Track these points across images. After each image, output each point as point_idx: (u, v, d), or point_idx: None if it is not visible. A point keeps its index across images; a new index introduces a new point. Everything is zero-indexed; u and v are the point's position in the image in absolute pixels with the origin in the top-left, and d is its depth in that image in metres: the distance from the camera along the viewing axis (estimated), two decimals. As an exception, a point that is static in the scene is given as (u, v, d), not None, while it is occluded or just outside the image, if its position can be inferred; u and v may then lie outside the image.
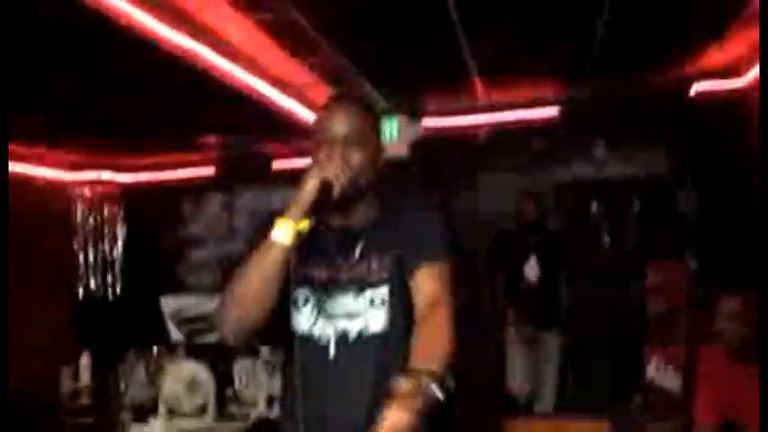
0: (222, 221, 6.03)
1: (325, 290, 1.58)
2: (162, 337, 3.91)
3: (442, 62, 4.66)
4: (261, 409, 3.48)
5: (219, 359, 3.72)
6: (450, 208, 4.97)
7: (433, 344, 1.45)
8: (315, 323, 1.58)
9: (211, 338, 3.74)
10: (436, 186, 5.32)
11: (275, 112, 4.83)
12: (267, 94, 4.51)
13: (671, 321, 3.10)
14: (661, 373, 3.14)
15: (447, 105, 5.58)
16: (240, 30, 3.68)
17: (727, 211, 4.51)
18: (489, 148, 5.62)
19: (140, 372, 3.82)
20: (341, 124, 1.56)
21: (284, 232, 1.45)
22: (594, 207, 5.43)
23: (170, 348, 3.81)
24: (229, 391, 3.63)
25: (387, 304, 1.56)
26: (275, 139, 5.66)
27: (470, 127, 5.63)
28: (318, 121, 1.60)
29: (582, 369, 4.88)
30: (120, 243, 6.21)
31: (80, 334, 5.36)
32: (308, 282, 1.58)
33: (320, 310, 1.57)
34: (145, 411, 3.51)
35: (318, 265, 1.59)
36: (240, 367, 3.69)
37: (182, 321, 3.71)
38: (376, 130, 1.64)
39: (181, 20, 3.35)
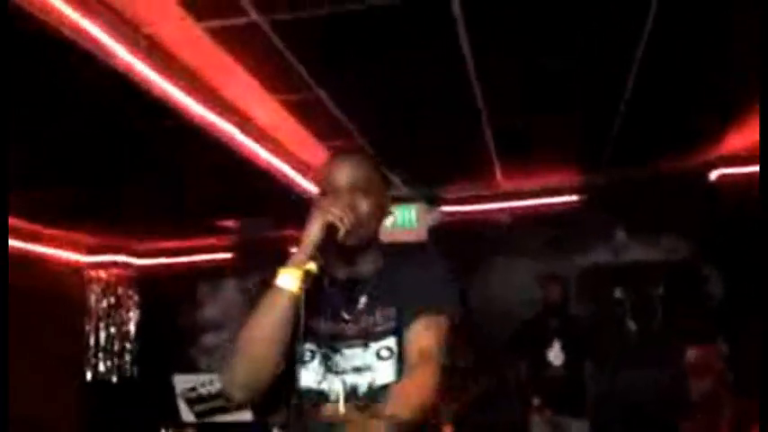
0: (238, 306, 5.94)
1: (331, 344, 1.52)
2: (173, 418, 3.76)
3: (463, 149, 4.73)
4: (273, 494, 3.28)
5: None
6: (468, 295, 4.87)
7: (409, 392, 1.40)
8: (323, 379, 1.50)
9: (225, 418, 3.59)
10: (455, 273, 5.24)
11: (295, 195, 4.85)
12: (288, 176, 4.52)
13: (715, 402, 2.93)
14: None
15: (466, 192, 5.60)
16: (265, 109, 3.73)
17: (753, 294, 4.40)
18: (508, 235, 5.59)
19: (149, 455, 3.64)
20: (345, 173, 1.54)
21: (289, 278, 1.40)
22: (618, 292, 5.32)
23: (180, 429, 3.65)
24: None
25: (394, 356, 1.50)
26: (293, 222, 5.67)
27: (489, 213, 5.62)
28: (323, 173, 1.59)
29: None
30: (132, 326, 6.10)
31: (87, 414, 5.17)
32: (313, 336, 1.52)
33: (327, 365, 1.51)
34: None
35: (323, 318, 1.54)
36: (254, 451, 3.51)
37: (193, 400, 3.58)
38: (381, 181, 1.62)
39: (207, 96, 3.39)
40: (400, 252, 1.63)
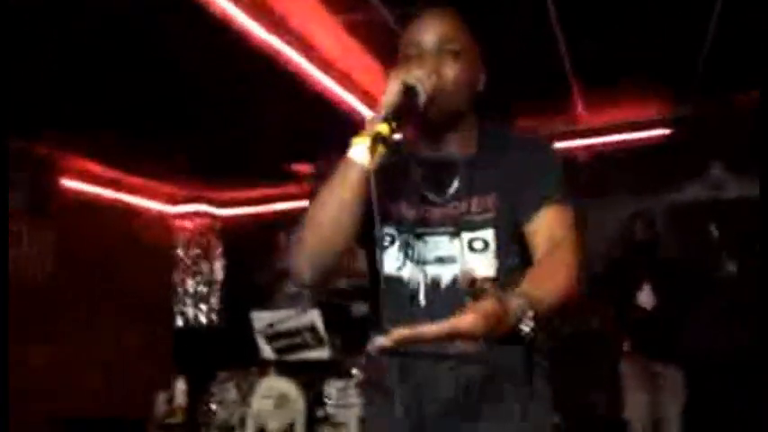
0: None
1: (413, 230, 1.36)
2: (255, 357, 3.83)
3: (542, 84, 4.49)
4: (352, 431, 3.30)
5: (312, 379, 3.59)
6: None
7: (545, 275, 1.21)
8: (402, 266, 1.37)
9: (303, 356, 3.63)
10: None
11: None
12: (357, 110, 4.41)
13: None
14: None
15: (546, 129, 5.35)
16: (327, 33, 3.63)
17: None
18: (593, 174, 5.31)
19: (231, 391, 3.74)
20: (432, 32, 1.36)
21: (362, 149, 1.23)
22: (714, 231, 4.96)
23: (262, 367, 3.72)
24: (320, 412, 3.47)
25: (490, 250, 1.33)
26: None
27: (572, 151, 5.36)
28: (406, 34, 1.40)
29: (711, 403, 4.35)
30: (219, 274, 6.30)
31: (177, 360, 5.41)
32: (394, 219, 1.37)
33: (408, 252, 1.36)
34: (234, 429, 3.41)
35: (407, 201, 1.38)
36: (332, 388, 3.53)
37: (272, 337, 3.62)
38: (473, 46, 1.41)
39: (270, 21, 3.34)
40: (504, 138, 1.44)
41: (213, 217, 6.34)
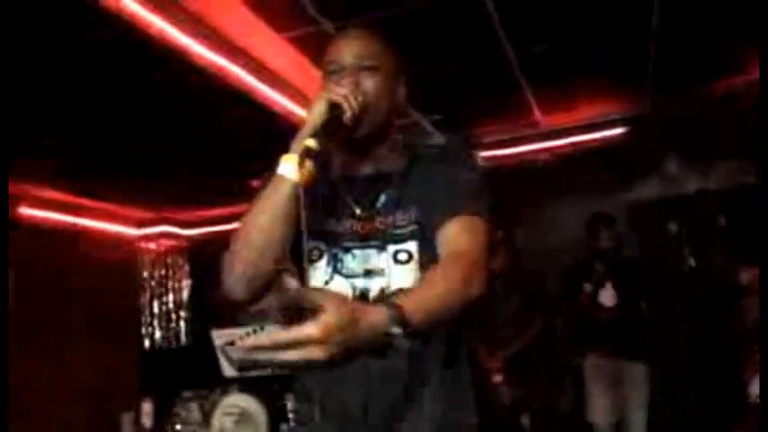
0: (284, 270, 5.99)
1: (342, 245, 1.39)
2: (219, 376, 3.80)
3: (496, 89, 4.54)
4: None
5: (274, 394, 3.57)
6: (515, 240, 4.69)
7: (428, 285, 1.21)
8: (330, 280, 1.39)
9: (264, 372, 3.60)
10: (499, 219, 5.10)
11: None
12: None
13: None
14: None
15: (504, 135, 5.41)
16: (275, 50, 3.65)
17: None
18: (552, 176, 5.37)
19: (194, 411, 3.71)
20: (350, 50, 1.39)
21: (290, 166, 1.26)
22: (674, 227, 5.02)
23: (225, 385, 3.69)
24: (284, 427, 3.46)
25: (414, 261, 1.36)
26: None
27: (530, 154, 5.42)
28: (326, 54, 1.43)
29: (675, 399, 4.39)
30: (184, 295, 6.26)
31: (144, 381, 5.37)
32: (323, 234, 1.40)
33: (336, 266, 1.39)
34: (197, 449, 3.38)
35: (336, 216, 1.41)
36: (294, 402, 3.52)
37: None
38: (392, 60, 1.43)
39: (217, 43, 3.36)
40: (428, 152, 1.48)
41: (178, 237, 6.31)
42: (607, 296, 4.35)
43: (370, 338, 1.03)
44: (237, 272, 1.33)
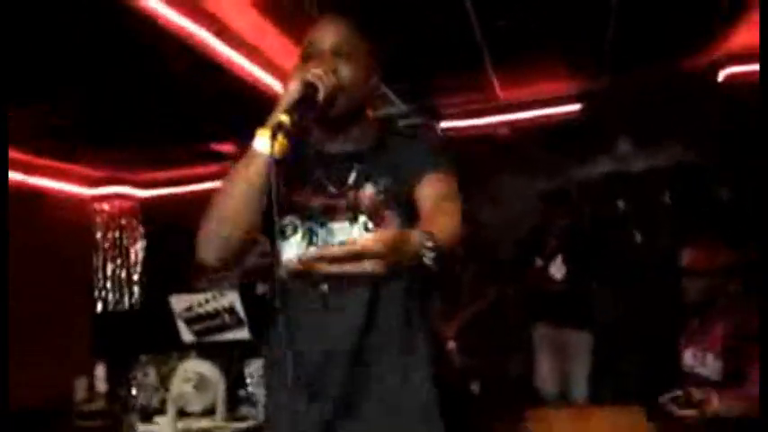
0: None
1: (315, 218, 1.46)
2: (177, 341, 3.81)
3: (458, 61, 4.57)
4: (274, 409, 3.34)
5: (232, 360, 3.60)
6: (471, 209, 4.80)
7: (436, 219, 1.34)
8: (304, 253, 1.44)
9: (223, 337, 3.63)
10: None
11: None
12: (275, 89, 4.39)
13: (711, 305, 2.86)
14: (699, 361, 2.89)
15: (465, 106, 5.46)
16: (240, 13, 3.61)
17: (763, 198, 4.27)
18: (509, 149, 5.48)
19: (152, 375, 3.72)
20: (328, 35, 1.48)
21: (264, 140, 1.31)
22: (621, 203, 5.21)
23: (182, 351, 3.71)
24: (242, 392, 3.50)
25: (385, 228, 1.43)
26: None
27: (489, 127, 5.49)
28: (308, 36, 1.51)
29: (615, 367, 4.62)
30: (139, 257, 6.18)
31: (96, 346, 5.31)
32: (296, 209, 1.47)
33: (312, 239, 1.46)
34: (154, 413, 3.40)
35: (309, 191, 1.48)
36: (253, 368, 3.56)
37: (191, 320, 3.59)
38: (367, 49, 1.53)
39: (185, 5, 3.29)
40: (397, 129, 1.64)
41: (132, 198, 6.20)
42: (557, 269, 4.53)
43: (412, 255, 1.17)
44: (210, 241, 1.39)
